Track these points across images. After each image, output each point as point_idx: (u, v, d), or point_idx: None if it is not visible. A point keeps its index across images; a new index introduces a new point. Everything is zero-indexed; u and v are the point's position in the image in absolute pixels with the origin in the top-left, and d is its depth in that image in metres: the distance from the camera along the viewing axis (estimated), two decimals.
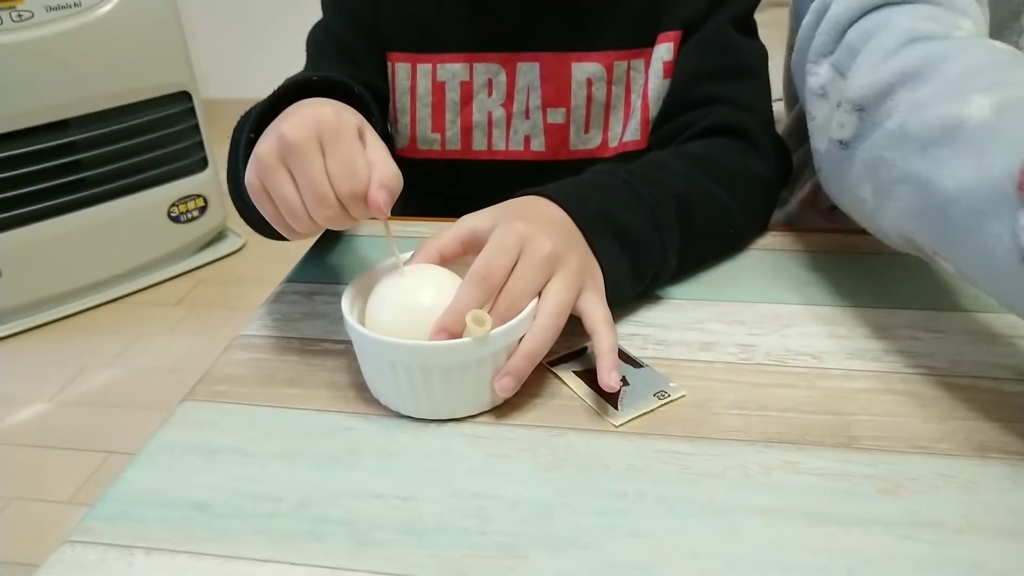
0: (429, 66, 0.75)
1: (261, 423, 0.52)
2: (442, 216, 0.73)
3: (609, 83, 0.74)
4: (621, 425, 0.50)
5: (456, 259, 0.54)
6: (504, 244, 0.51)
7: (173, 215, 2.15)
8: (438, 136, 0.77)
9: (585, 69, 0.74)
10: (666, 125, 0.73)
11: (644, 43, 0.73)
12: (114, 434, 1.64)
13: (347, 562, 0.42)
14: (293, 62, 0.80)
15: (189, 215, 2.18)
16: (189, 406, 0.54)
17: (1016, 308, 0.46)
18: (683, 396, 0.52)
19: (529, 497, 0.45)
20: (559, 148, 0.77)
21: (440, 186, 0.78)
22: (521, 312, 0.50)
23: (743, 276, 0.65)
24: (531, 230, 0.52)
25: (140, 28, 1.98)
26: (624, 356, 0.55)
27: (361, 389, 0.54)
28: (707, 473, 0.46)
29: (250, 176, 0.51)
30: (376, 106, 0.62)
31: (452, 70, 0.75)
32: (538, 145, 0.77)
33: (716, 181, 0.64)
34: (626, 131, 0.75)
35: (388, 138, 0.79)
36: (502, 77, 0.75)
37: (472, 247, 0.54)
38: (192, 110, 2.13)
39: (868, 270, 0.65)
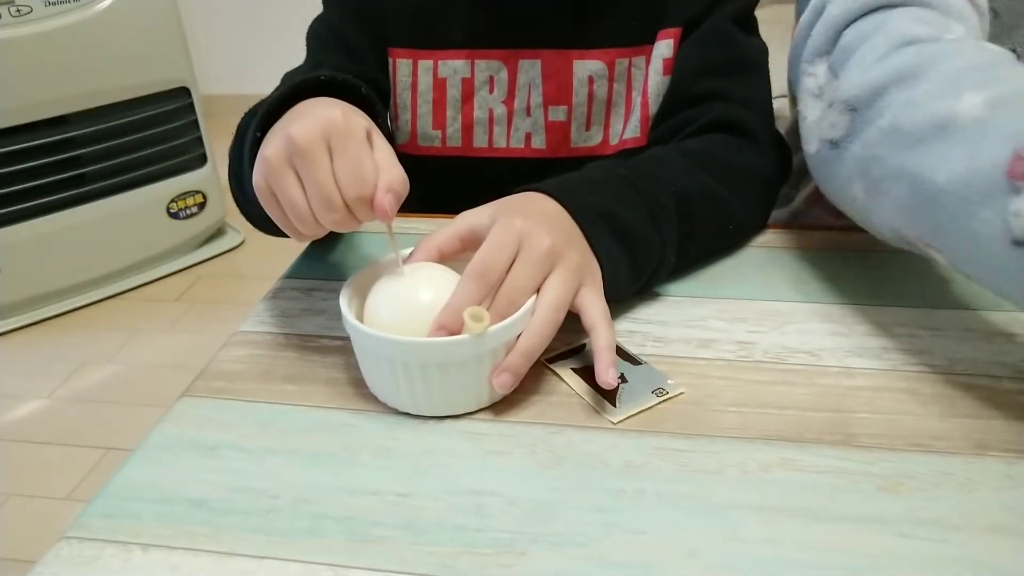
0: (430, 62, 0.75)
1: (259, 419, 0.52)
2: (442, 213, 0.73)
3: (610, 80, 0.74)
4: (619, 422, 0.50)
5: (455, 256, 0.54)
6: (502, 240, 0.51)
7: (172, 211, 2.15)
8: (439, 133, 0.77)
9: (587, 67, 0.74)
10: (666, 122, 0.73)
11: (645, 40, 0.73)
12: (113, 430, 1.64)
13: (344, 559, 0.42)
14: (293, 57, 0.80)
15: (188, 211, 2.18)
16: (187, 402, 0.54)
17: (1008, 294, 0.47)
18: (682, 393, 0.52)
19: (527, 494, 0.45)
20: (560, 146, 0.76)
21: (441, 183, 0.78)
22: (519, 309, 0.50)
23: (742, 273, 0.65)
24: (529, 226, 0.52)
25: (139, 24, 1.98)
26: (623, 353, 0.55)
27: (359, 386, 0.54)
28: (705, 470, 0.46)
29: (257, 178, 0.51)
30: (382, 107, 0.62)
31: (453, 66, 0.75)
32: (539, 143, 0.77)
33: (716, 177, 0.64)
34: (626, 128, 0.75)
35: (390, 135, 0.79)
36: (503, 74, 0.75)
37: (471, 243, 0.53)
38: (191, 106, 2.12)
39: (867, 268, 0.65)
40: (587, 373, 0.53)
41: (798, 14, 0.66)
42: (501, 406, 0.52)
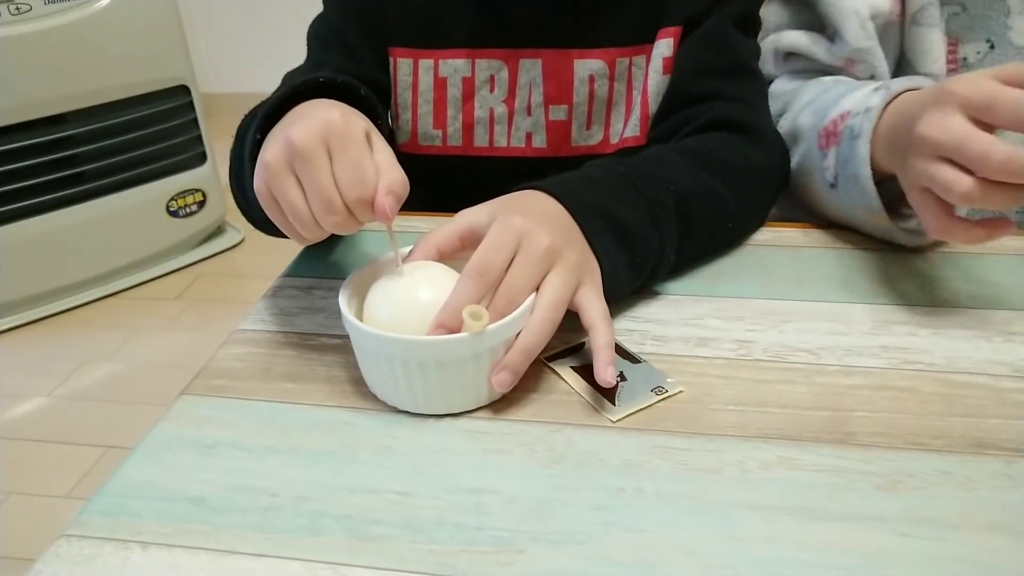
0: (431, 61, 0.75)
1: (258, 418, 0.52)
2: (443, 212, 0.72)
3: (611, 80, 0.74)
4: (619, 421, 0.50)
5: (454, 254, 0.54)
6: (502, 239, 0.51)
7: (172, 210, 2.15)
8: (439, 132, 0.77)
9: (587, 66, 0.73)
10: (666, 121, 0.73)
11: (646, 39, 0.73)
12: (112, 429, 1.64)
13: (344, 557, 0.42)
14: (293, 56, 0.80)
15: (188, 210, 2.18)
16: (186, 401, 0.54)
17: (846, 220, 0.68)
18: (681, 392, 0.52)
19: (526, 492, 0.45)
20: (561, 145, 0.76)
21: (441, 183, 0.78)
22: (518, 307, 0.50)
23: (741, 272, 0.65)
24: (529, 225, 0.52)
25: (139, 22, 1.98)
26: (622, 351, 0.55)
27: (358, 384, 0.54)
28: (704, 469, 0.46)
29: (258, 183, 0.51)
30: (382, 108, 0.62)
31: (454, 66, 0.75)
32: (540, 142, 0.76)
33: (715, 176, 0.64)
34: (627, 127, 0.75)
35: (390, 134, 0.79)
36: (504, 73, 0.75)
37: (470, 242, 0.53)
38: (191, 104, 2.12)
39: (866, 267, 0.65)
40: (586, 371, 0.53)
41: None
42: (500, 404, 0.52)
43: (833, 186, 0.66)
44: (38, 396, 1.76)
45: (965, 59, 0.73)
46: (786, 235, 0.70)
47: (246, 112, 0.63)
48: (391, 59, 0.76)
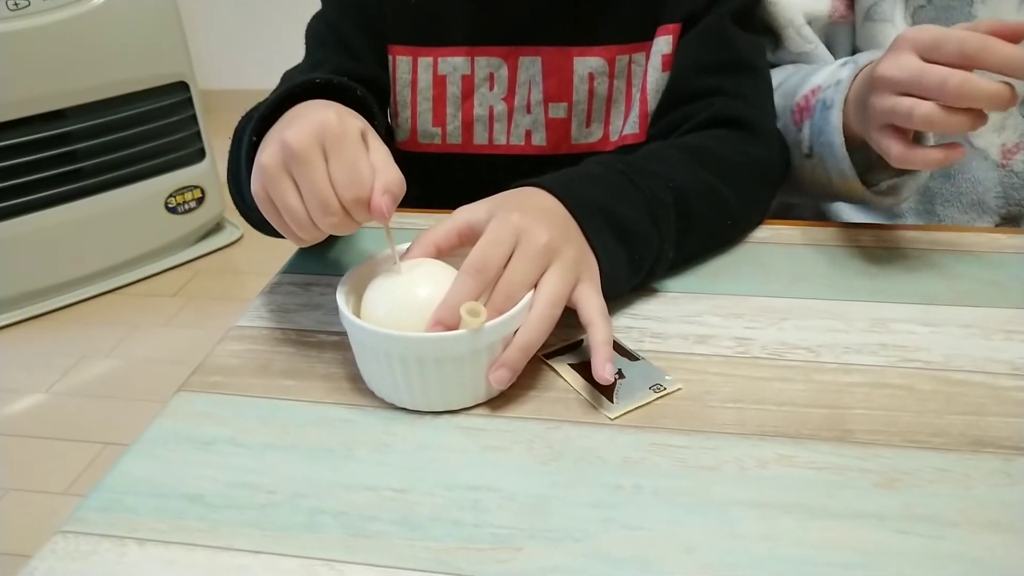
0: (430, 59, 0.75)
1: (256, 414, 0.52)
2: (442, 210, 0.72)
3: (611, 77, 0.74)
4: (617, 418, 0.50)
5: (452, 251, 0.54)
6: (500, 236, 0.51)
7: (170, 206, 2.15)
8: (439, 130, 0.77)
9: (587, 63, 0.73)
10: (665, 118, 0.73)
11: (645, 36, 0.73)
12: (111, 425, 1.64)
13: (341, 554, 0.42)
14: (292, 53, 0.80)
15: (186, 206, 2.17)
16: (184, 397, 0.54)
17: (819, 189, 0.72)
18: (679, 389, 0.52)
19: (524, 490, 0.45)
20: (560, 142, 0.76)
21: (441, 180, 0.78)
22: (517, 304, 0.50)
23: (740, 270, 0.65)
24: (527, 221, 0.52)
25: (138, 17, 1.97)
26: (620, 349, 0.55)
27: (356, 381, 0.54)
28: (702, 466, 0.46)
29: (255, 186, 0.51)
30: (379, 107, 0.62)
31: (453, 63, 0.75)
32: (539, 139, 0.76)
33: (714, 172, 0.64)
34: (626, 125, 0.75)
35: (389, 132, 0.79)
36: (504, 71, 0.75)
37: (468, 239, 0.53)
38: (190, 100, 2.12)
39: (865, 264, 0.65)
40: (584, 369, 0.53)
41: None
42: (498, 401, 0.52)
43: (808, 156, 0.71)
44: (36, 392, 1.76)
45: None
46: (785, 233, 0.70)
47: (244, 109, 0.63)
48: (390, 57, 0.76)
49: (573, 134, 0.76)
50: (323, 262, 0.68)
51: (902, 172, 0.67)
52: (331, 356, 0.56)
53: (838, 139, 0.65)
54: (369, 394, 0.53)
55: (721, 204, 0.64)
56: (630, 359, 0.55)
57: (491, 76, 0.75)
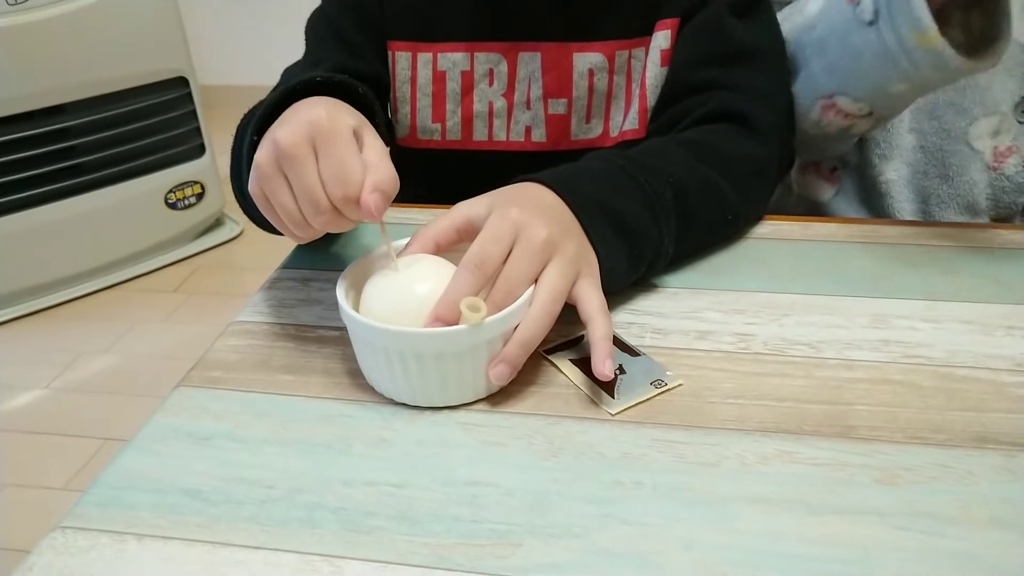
0: (430, 55, 0.75)
1: (255, 410, 0.52)
2: (441, 206, 0.72)
3: (611, 73, 0.74)
4: (617, 414, 0.50)
5: (451, 247, 0.54)
6: (499, 231, 0.51)
7: (170, 202, 2.14)
8: (438, 126, 0.77)
9: (587, 59, 0.73)
10: (665, 113, 0.73)
11: (644, 32, 0.73)
12: (110, 421, 1.64)
13: (339, 549, 0.42)
14: (292, 49, 0.80)
15: (186, 202, 2.17)
16: (183, 392, 0.53)
17: (881, 69, 0.66)
18: (680, 385, 0.52)
19: (524, 485, 0.45)
20: (560, 139, 0.76)
21: (440, 176, 0.77)
22: (516, 300, 0.50)
23: (741, 265, 0.64)
24: (526, 217, 0.52)
25: (138, 13, 1.97)
26: (621, 344, 0.55)
27: (356, 376, 0.54)
28: (703, 462, 0.46)
29: (251, 185, 0.52)
30: (380, 104, 0.61)
31: (453, 59, 0.75)
32: (539, 136, 0.76)
33: (714, 167, 0.64)
34: (626, 120, 0.75)
35: (390, 129, 0.79)
36: (503, 67, 0.74)
37: (467, 234, 0.53)
38: (190, 96, 2.11)
39: (866, 260, 0.64)
40: (585, 364, 0.52)
41: None
42: (498, 397, 0.52)
43: (872, 23, 0.65)
44: (36, 388, 1.76)
45: None
46: (786, 228, 0.69)
47: (244, 104, 0.63)
48: (389, 53, 0.76)
49: (573, 130, 0.76)
50: (323, 258, 0.68)
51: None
52: (331, 351, 0.56)
53: None
54: (368, 389, 0.53)
55: (721, 199, 0.64)
56: (631, 355, 0.54)
57: (491, 72, 0.75)
